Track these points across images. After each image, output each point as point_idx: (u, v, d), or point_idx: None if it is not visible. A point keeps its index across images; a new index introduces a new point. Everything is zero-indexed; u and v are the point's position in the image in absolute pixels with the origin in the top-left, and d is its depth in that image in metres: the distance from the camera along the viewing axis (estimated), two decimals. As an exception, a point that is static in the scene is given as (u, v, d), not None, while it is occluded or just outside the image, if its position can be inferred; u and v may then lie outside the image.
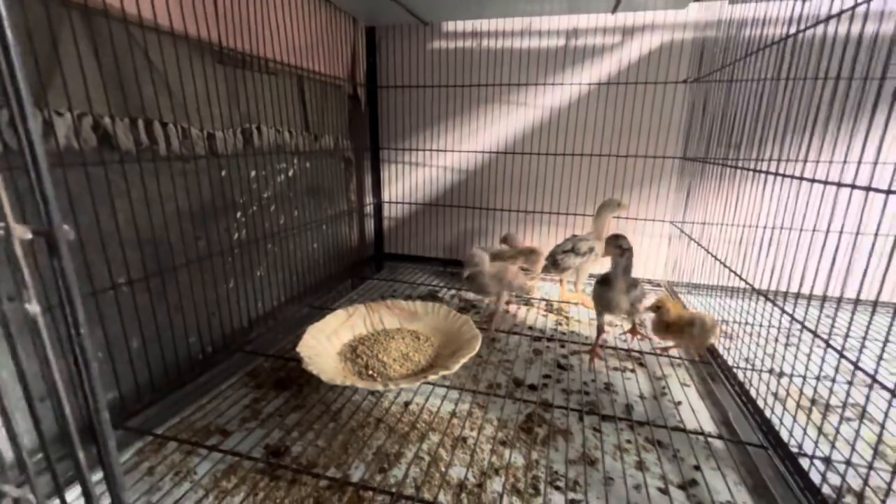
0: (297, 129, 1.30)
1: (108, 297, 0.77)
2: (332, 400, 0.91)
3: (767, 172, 0.84)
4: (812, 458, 0.64)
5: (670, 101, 1.47)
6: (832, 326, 0.65)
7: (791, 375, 0.82)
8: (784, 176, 0.78)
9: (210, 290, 1.01)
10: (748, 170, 0.93)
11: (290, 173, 1.29)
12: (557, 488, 0.70)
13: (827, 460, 0.61)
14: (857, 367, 0.57)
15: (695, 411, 0.90)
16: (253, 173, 1.13)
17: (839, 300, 0.63)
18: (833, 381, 0.64)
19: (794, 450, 0.69)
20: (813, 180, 0.69)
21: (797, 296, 0.75)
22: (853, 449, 0.59)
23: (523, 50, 1.55)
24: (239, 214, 1.10)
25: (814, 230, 0.69)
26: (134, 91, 0.79)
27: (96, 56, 0.73)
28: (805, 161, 0.73)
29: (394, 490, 0.67)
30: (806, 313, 0.72)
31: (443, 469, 0.73)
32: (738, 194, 1.02)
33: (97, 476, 0.66)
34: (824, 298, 0.65)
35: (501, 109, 1.63)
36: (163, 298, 0.88)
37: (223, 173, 1.03)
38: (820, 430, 0.65)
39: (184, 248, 0.92)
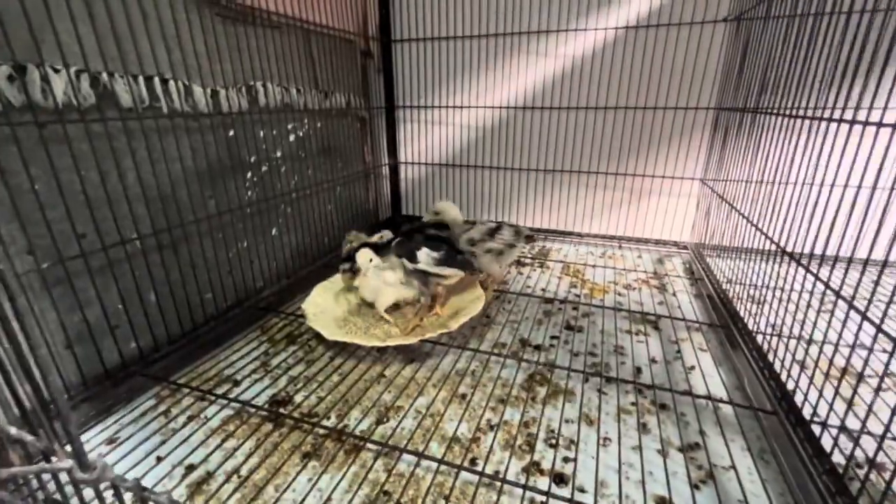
0: (306, 87, 1.28)
1: (120, 253, 0.81)
2: (338, 355, 0.93)
3: (814, 118, 0.74)
4: (825, 424, 0.60)
5: (706, 45, 1.32)
6: (855, 288, 0.58)
7: (822, 343, 0.76)
8: (831, 121, 0.69)
9: (225, 249, 1.04)
10: (796, 117, 0.82)
11: (301, 133, 1.28)
12: (552, 446, 0.70)
13: (842, 427, 0.57)
14: (879, 330, 0.52)
15: (708, 377, 0.86)
16: (262, 133, 1.13)
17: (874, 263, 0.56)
18: (851, 347, 0.59)
19: (809, 417, 0.65)
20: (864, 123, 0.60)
21: (835, 259, 0.67)
22: (868, 415, 0.54)
23: (545, -8, 1.43)
24: (250, 174, 1.11)
25: (859, 186, 0.61)
26: (130, 46, 0.79)
27: (87, 7, 0.72)
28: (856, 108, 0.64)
29: (389, 441, 0.69)
30: (840, 276, 0.65)
31: (439, 423, 0.74)
32: (775, 147, 0.92)
33: (110, 420, 0.72)
34: (850, 261, 0.58)
35: (521, 61, 1.53)
36: (176, 255, 0.91)
37: (231, 133, 1.03)
38: (851, 402, 0.60)
39: (192, 206, 0.94)
